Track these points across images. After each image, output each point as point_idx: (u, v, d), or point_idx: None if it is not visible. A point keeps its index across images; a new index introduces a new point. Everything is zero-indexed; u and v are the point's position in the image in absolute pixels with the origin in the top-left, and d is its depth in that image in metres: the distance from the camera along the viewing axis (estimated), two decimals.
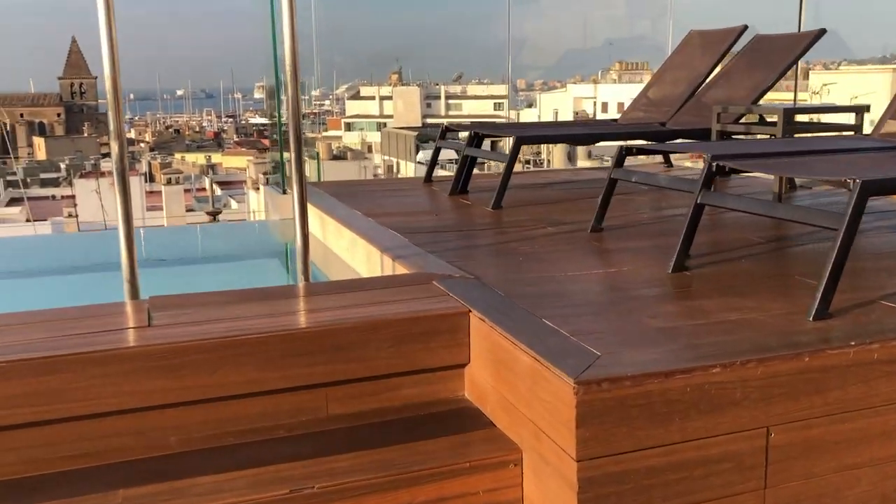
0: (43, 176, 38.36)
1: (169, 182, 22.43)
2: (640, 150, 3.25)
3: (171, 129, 71.70)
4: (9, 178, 35.87)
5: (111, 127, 2.31)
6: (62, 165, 39.08)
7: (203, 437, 1.94)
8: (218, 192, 27.08)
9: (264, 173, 19.88)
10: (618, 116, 5.26)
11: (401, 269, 2.75)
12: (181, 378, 1.90)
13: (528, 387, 1.81)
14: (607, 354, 1.77)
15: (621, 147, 3.17)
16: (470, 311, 2.13)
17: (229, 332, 1.96)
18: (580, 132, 4.62)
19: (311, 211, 3.79)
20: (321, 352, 2.02)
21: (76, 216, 22.70)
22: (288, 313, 2.24)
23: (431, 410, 2.11)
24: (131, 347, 1.88)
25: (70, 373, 1.81)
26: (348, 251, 3.47)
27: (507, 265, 2.72)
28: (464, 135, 4.79)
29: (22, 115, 65.82)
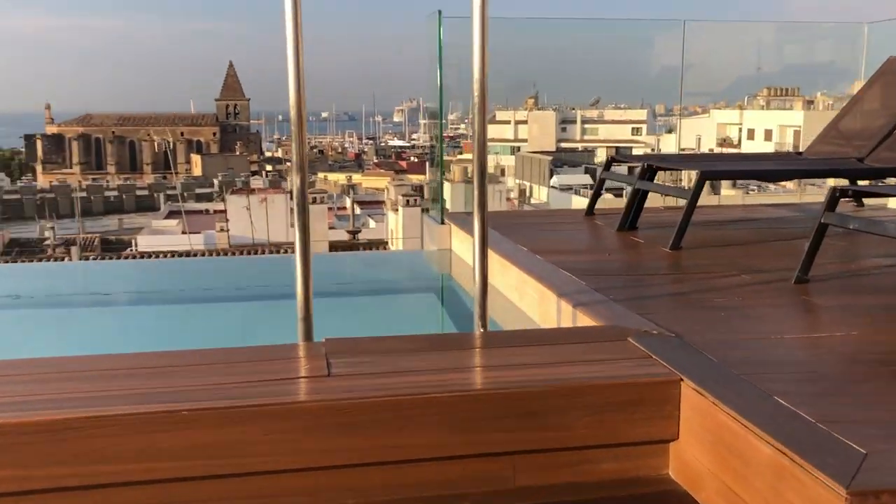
0: (198, 191, 41.06)
1: (314, 201, 23.25)
2: (858, 193, 2.83)
3: (315, 150, 74.94)
4: (168, 192, 38.64)
5: (294, 159, 2.21)
6: (215, 182, 41.65)
7: (382, 502, 1.76)
8: (357, 211, 27.87)
9: (403, 195, 20.27)
10: (782, 145, 4.78)
11: (583, 318, 2.50)
12: (363, 437, 1.73)
13: (769, 483, 1.50)
14: (875, 453, 1.44)
15: (834, 189, 2.78)
16: (682, 379, 1.85)
17: (416, 389, 1.78)
18: (769, 168, 4.19)
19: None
20: (512, 416, 1.80)
21: (227, 230, 23.99)
22: (472, 367, 2.04)
23: (632, 490, 1.84)
24: (314, 402, 1.73)
25: (250, 425, 1.69)
26: (516, 291, 3.26)
27: (707, 321, 2.41)
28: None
29: (182, 134, 70.95)
